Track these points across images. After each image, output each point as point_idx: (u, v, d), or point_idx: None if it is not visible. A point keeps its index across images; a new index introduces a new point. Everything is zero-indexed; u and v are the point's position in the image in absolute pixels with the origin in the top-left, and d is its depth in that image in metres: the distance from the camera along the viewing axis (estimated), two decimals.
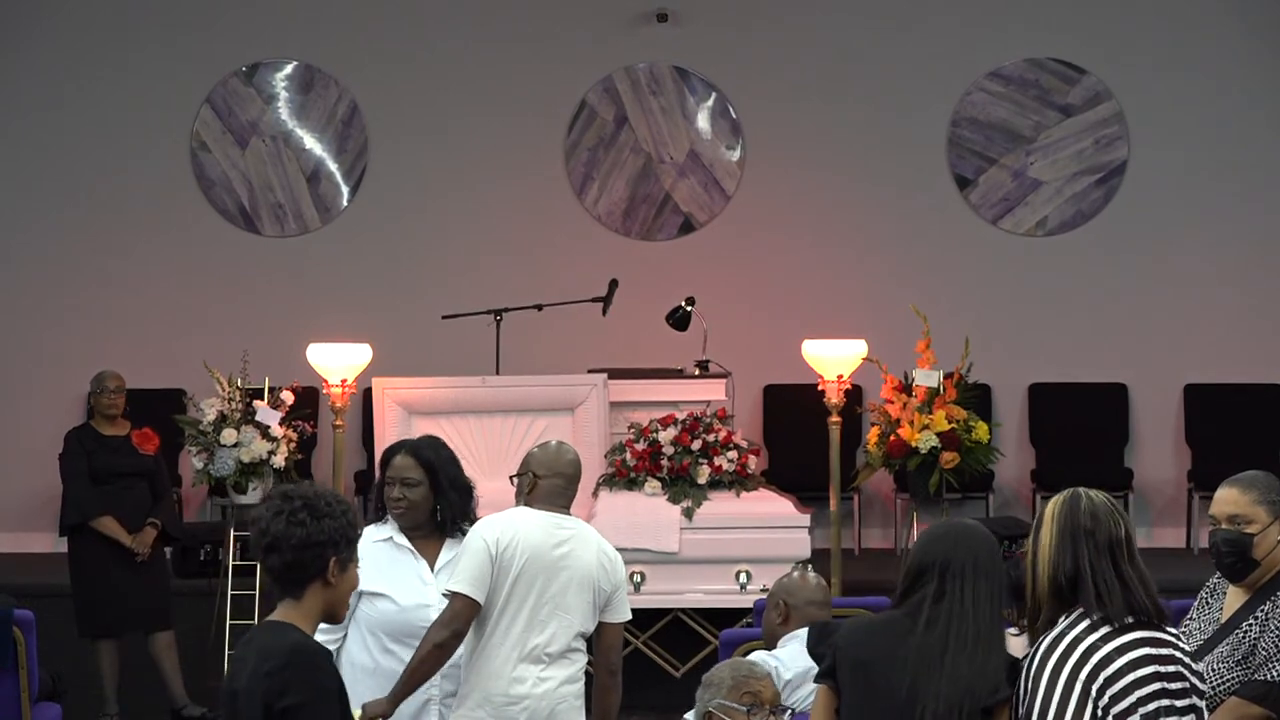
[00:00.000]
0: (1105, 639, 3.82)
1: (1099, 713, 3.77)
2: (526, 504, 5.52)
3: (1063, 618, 3.89)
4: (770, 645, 5.37)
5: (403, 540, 5.54)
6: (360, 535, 4.10)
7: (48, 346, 11.49)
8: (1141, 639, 3.82)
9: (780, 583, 5.49)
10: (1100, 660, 3.81)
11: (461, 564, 5.37)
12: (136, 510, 8.69)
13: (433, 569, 5.52)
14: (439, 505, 5.53)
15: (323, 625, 5.34)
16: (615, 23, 11.69)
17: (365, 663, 5.42)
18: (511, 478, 5.63)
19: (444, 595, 5.35)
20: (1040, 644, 3.90)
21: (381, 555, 5.43)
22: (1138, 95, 11.63)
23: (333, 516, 3.96)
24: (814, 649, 4.14)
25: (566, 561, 5.43)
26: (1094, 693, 3.78)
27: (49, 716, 7.12)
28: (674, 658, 8.87)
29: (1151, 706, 3.78)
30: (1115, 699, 3.77)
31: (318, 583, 3.96)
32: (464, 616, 5.30)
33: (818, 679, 4.18)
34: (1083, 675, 3.80)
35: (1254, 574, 4.57)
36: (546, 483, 5.51)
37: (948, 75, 11.66)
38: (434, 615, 5.39)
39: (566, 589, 5.43)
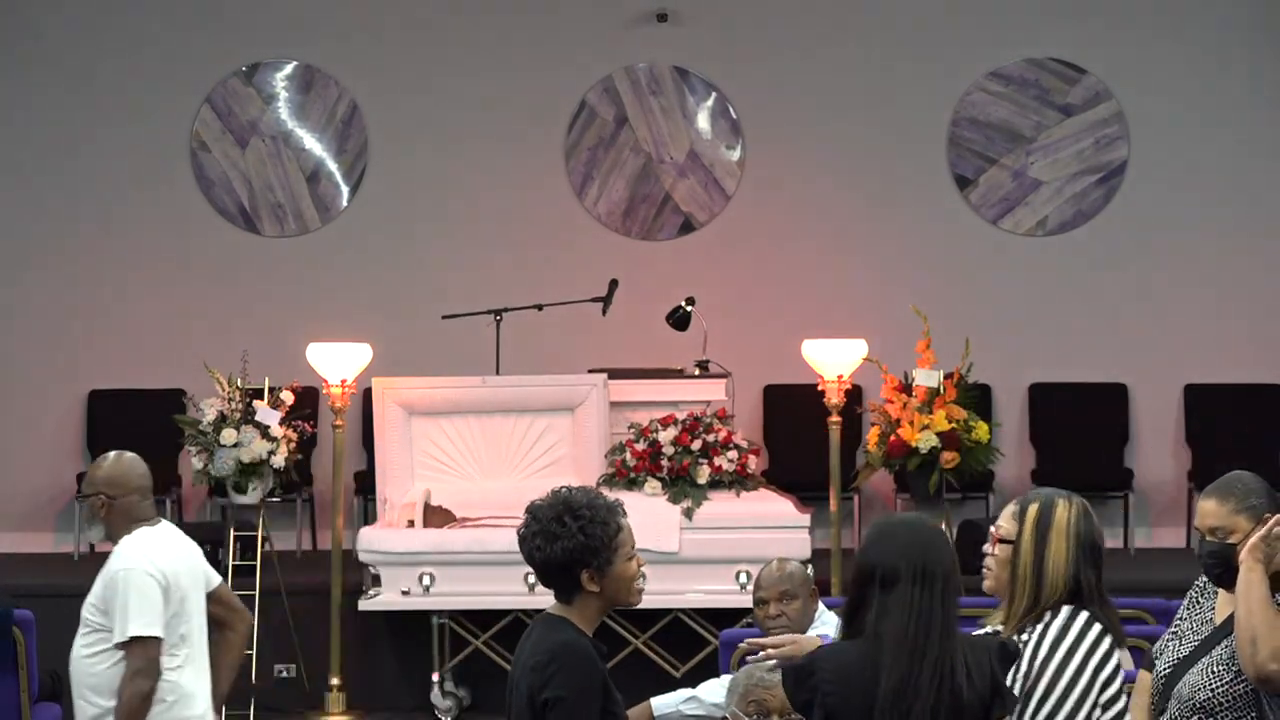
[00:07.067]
0: (1113, 645, 4.15)
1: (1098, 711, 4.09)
2: (113, 522, 5.26)
3: (1057, 616, 4.13)
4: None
5: None
6: (619, 531, 4.04)
7: (48, 346, 11.48)
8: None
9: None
10: (1110, 668, 4.13)
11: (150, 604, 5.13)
12: None
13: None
14: None
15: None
16: (615, 23, 11.68)
17: None
18: (84, 498, 5.34)
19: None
20: (1039, 640, 4.10)
21: None
22: (1138, 95, 11.62)
23: (567, 536, 3.98)
24: (795, 697, 3.89)
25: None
26: (1097, 692, 4.09)
27: (49, 716, 7.13)
28: (674, 658, 8.87)
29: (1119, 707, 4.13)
30: (1109, 702, 4.13)
31: (579, 593, 4.04)
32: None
33: None
34: (1099, 680, 4.10)
35: None
36: (138, 499, 5.32)
37: (948, 75, 11.65)
38: None
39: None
